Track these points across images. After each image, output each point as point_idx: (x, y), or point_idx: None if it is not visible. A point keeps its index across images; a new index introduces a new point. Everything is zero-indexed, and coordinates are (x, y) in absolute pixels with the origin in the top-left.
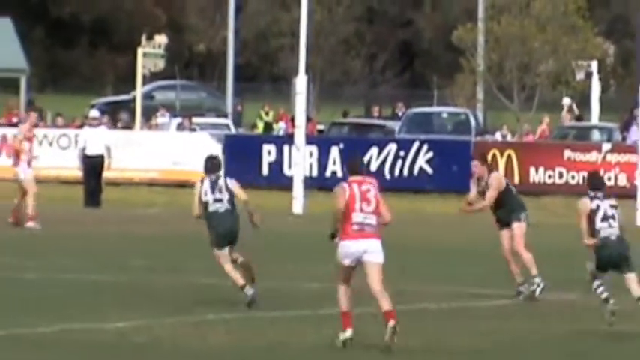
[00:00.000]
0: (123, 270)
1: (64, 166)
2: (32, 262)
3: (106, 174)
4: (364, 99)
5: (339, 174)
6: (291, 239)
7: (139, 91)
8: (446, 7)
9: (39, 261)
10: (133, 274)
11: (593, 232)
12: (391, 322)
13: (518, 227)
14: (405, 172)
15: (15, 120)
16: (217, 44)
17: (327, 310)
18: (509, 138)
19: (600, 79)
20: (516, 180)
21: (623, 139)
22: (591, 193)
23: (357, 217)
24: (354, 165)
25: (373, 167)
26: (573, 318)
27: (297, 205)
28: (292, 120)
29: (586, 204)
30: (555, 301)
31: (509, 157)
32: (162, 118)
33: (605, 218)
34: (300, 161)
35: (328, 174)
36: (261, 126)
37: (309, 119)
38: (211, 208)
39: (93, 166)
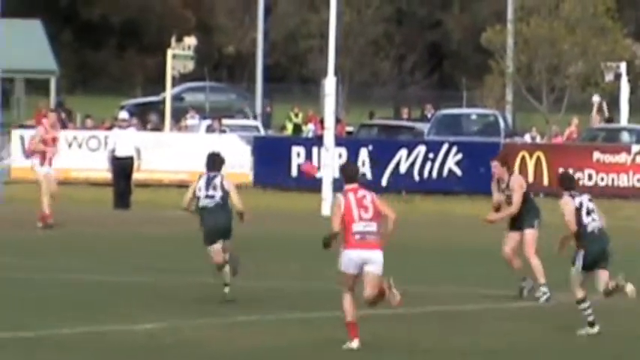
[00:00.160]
0: (152, 272)
1: (93, 168)
2: (62, 263)
3: (136, 175)
4: (393, 100)
5: (369, 175)
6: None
7: (169, 92)
8: (475, 9)
9: (68, 263)
10: (162, 276)
11: (580, 228)
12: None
13: (530, 234)
14: (434, 174)
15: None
16: (246, 45)
17: (360, 311)
18: (538, 140)
19: (629, 80)
20: (545, 182)
21: None
22: (568, 192)
23: (356, 226)
24: (349, 172)
25: (402, 169)
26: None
27: (327, 207)
28: (321, 121)
29: (569, 202)
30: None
31: (538, 158)
32: (191, 119)
33: (588, 213)
34: (330, 163)
35: None
36: (290, 127)
37: (338, 121)
38: (202, 203)
39: (122, 167)
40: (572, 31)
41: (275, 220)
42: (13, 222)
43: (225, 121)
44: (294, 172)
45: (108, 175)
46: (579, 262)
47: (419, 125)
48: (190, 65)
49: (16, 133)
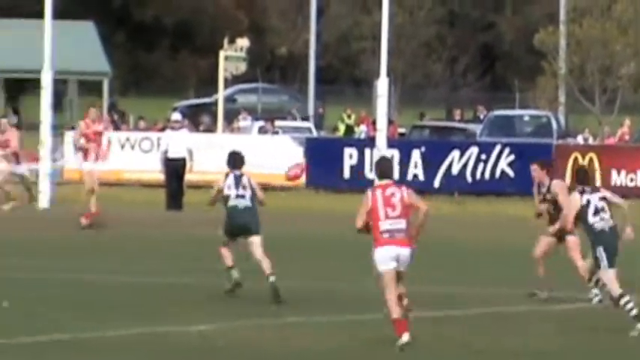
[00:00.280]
0: (205, 273)
1: (145, 169)
2: (115, 265)
3: (188, 177)
4: (445, 102)
5: (421, 177)
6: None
7: (221, 94)
8: (527, 10)
9: (121, 264)
10: (215, 277)
11: (577, 225)
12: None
13: (572, 241)
14: (487, 175)
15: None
16: (299, 47)
17: (416, 313)
18: (590, 141)
19: None
20: (598, 183)
21: None
22: (580, 188)
23: (383, 224)
24: (382, 167)
25: (454, 170)
26: None
27: None
28: (374, 123)
29: (575, 199)
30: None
31: (590, 160)
32: (243, 121)
33: (596, 212)
34: None
35: (410, 177)
36: (342, 129)
37: (390, 122)
38: (232, 202)
39: (175, 168)
40: (625, 32)
41: (327, 221)
42: (64, 223)
43: (278, 123)
44: (346, 174)
45: (160, 177)
46: (604, 261)
47: (471, 126)
48: (243, 67)
49: (69, 135)
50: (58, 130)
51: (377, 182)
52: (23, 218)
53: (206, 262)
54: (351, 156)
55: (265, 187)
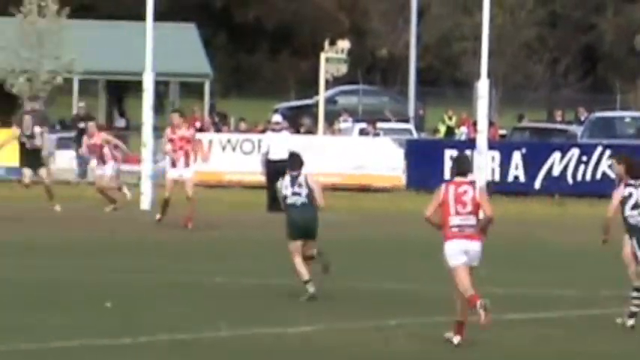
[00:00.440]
0: None
1: (247, 171)
2: (217, 266)
3: None
4: (546, 103)
5: (522, 178)
6: None
7: (322, 95)
8: (629, 11)
9: (223, 265)
10: (315, 279)
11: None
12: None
13: None
14: (588, 177)
15: (198, 125)
16: (400, 48)
17: (512, 315)
18: None
19: None
20: None
21: None
22: (631, 181)
23: (453, 220)
24: (459, 164)
25: (555, 172)
26: None
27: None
28: (474, 124)
29: (619, 190)
30: None
31: None
32: (344, 122)
33: (635, 206)
34: (483, 166)
35: (510, 178)
36: (443, 130)
37: (491, 124)
38: (289, 200)
39: (276, 170)
40: None
41: (427, 223)
42: (163, 224)
43: (379, 125)
44: (447, 175)
45: (262, 178)
46: (638, 252)
47: (572, 128)
48: (343, 68)
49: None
50: (159, 132)
51: (453, 178)
52: (124, 220)
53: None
54: (451, 157)
55: (366, 189)
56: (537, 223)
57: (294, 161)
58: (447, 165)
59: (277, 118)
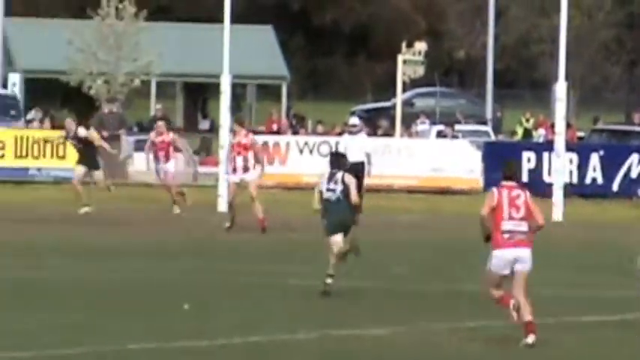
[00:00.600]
0: (383, 276)
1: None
2: (294, 267)
3: (366, 181)
4: (624, 105)
5: (600, 180)
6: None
7: (399, 98)
8: None
9: (300, 267)
10: (393, 281)
11: None
12: (530, 338)
13: None
14: None
15: (275, 128)
16: (477, 50)
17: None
18: None
19: None
20: None
21: None
22: None
23: (506, 225)
24: (508, 169)
25: (633, 174)
26: None
27: (557, 212)
28: (552, 126)
29: None
30: None
31: None
32: (422, 125)
33: None
34: (560, 168)
35: (588, 181)
36: (520, 132)
37: (569, 126)
38: (325, 195)
39: (353, 172)
40: None
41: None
42: (238, 227)
43: (457, 127)
44: (524, 178)
45: None
46: None
47: None
48: (420, 70)
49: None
50: None
51: (502, 182)
52: (200, 221)
53: (385, 266)
54: (529, 160)
55: (444, 192)
56: (615, 225)
57: (337, 161)
58: (525, 167)
59: (354, 120)
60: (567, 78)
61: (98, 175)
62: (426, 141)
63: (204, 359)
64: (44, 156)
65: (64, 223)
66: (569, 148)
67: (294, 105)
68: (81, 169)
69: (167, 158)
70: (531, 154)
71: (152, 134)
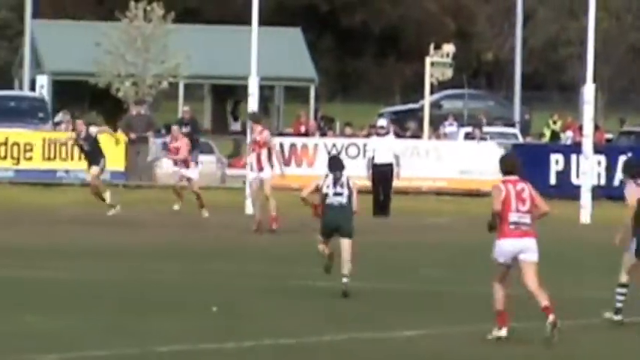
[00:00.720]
0: (412, 278)
1: (352, 175)
2: (321, 270)
3: (395, 183)
4: None
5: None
6: (579, 248)
7: (427, 100)
8: None
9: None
10: (422, 283)
11: None
12: (551, 317)
13: None
14: None
15: (302, 130)
16: (505, 53)
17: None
18: None
19: None
20: None
21: None
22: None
23: (512, 216)
24: (508, 164)
25: None
26: None
27: (585, 214)
28: (580, 129)
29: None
30: None
31: None
32: (450, 127)
33: None
34: (588, 170)
35: (616, 183)
36: (548, 134)
37: (597, 128)
38: (329, 200)
39: (381, 174)
40: None
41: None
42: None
43: (485, 129)
44: (552, 180)
45: (367, 183)
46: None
47: None
48: (449, 72)
49: (275, 141)
50: None
51: (504, 177)
52: (229, 224)
53: (414, 268)
54: (557, 162)
55: (472, 194)
56: None
57: (336, 164)
58: (553, 169)
59: (382, 122)
60: (595, 80)
61: (94, 169)
62: (454, 143)
63: None
64: (72, 158)
65: (93, 225)
66: (597, 150)
67: (322, 107)
68: (95, 169)
69: (185, 163)
70: (559, 157)
71: (168, 139)
